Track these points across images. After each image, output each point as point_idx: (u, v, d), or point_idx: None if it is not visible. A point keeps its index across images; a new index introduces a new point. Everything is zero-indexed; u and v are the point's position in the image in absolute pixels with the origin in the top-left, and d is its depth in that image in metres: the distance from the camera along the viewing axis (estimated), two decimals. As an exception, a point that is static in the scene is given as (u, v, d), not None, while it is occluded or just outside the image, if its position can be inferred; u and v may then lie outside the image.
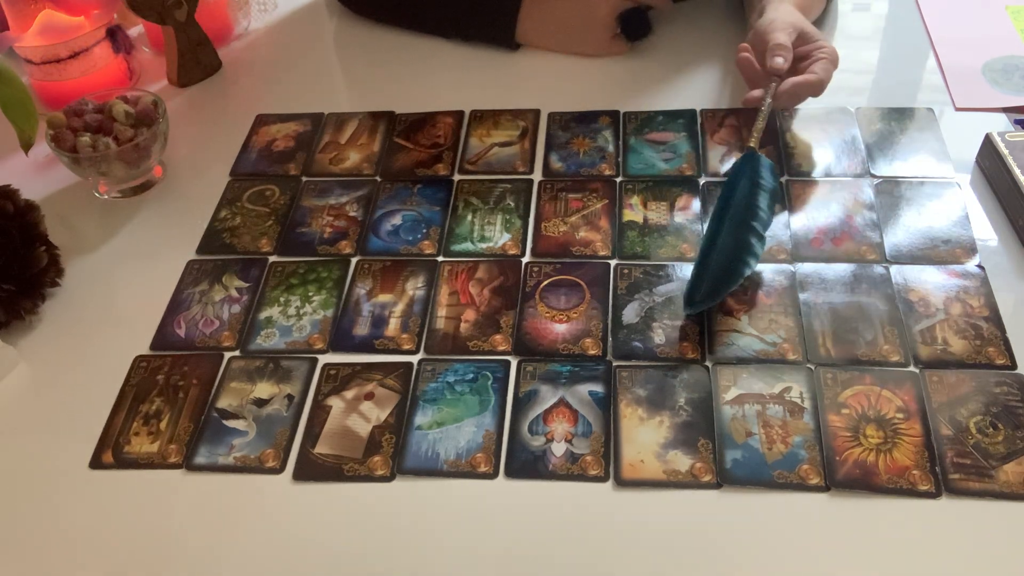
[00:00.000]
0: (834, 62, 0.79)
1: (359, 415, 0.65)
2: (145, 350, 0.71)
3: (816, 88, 0.78)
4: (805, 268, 0.71)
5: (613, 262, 0.73)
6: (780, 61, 0.77)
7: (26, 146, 0.75)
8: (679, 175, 0.80)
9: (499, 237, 0.77)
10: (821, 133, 0.83)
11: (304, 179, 0.85)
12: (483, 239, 0.77)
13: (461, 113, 0.90)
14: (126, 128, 0.81)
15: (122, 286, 0.77)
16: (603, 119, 0.87)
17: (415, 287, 0.73)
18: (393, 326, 0.70)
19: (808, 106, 0.85)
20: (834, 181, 0.78)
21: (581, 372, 0.65)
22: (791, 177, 0.79)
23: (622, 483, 0.59)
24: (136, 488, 0.62)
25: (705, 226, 0.75)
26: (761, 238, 0.70)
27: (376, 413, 0.65)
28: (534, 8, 0.94)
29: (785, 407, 0.62)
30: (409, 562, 0.56)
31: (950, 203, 0.75)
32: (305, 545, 0.58)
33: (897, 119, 0.83)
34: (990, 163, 0.76)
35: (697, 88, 0.90)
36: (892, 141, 0.81)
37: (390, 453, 0.62)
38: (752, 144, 0.74)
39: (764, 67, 0.79)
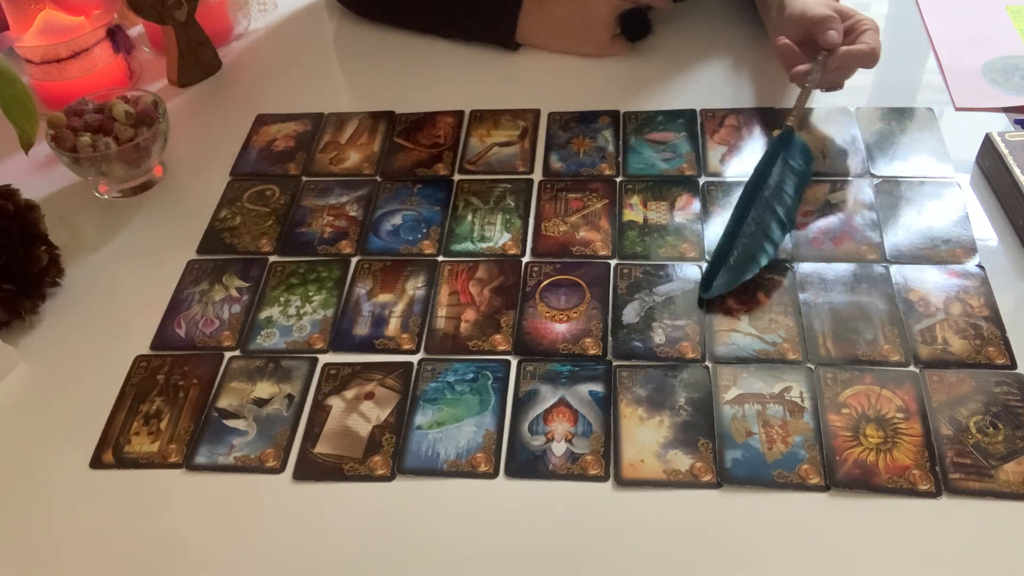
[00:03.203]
0: (877, 32, 0.79)
1: (359, 415, 0.65)
2: (145, 350, 0.71)
3: (870, 58, 0.77)
4: (805, 268, 0.71)
5: (613, 262, 0.73)
6: (834, 34, 0.77)
7: (26, 146, 0.75)
8: (679, 175, 0.80)
9: (499, 237, 0.77)
10: (821, 133, 0.83)
11: (304, 179, 0.85)
12: (483, 239, 0.77)
13: (461, 113, 0.90)
14: (126, 128, 0.81)
15: (122, 286, 0.77)
16: (603, 119, 0.87)
17: (415, 287, 0.73)
18: (393, 326, 0.70)
19: (808, 106, 0.85)
20: (834, 181, 0.78)
21: (581, 372, 0.65)
22: (791, 177, 0.79)
23: (622, 483, 0.59)
24: (136, 488, 0.62)
25: (704, 225, 0.75)
26: (783, 224, 0.70)
27: (376, 413, 0.65)
28: (534, 8, 0.94)
29: (785, 407, 0.62)
30: (409, 562, 0.56)
31: (950, 203, 0.75)
32: (305, 545, 0.58)
33: (897, 119, 0.83)
34: (990, 163, 0.76)
35: (697, 88, 0.90)
36: (892, 141, 0.81)
37: (390, 453, 0.62)
38: (791, 123, 0.74)
39: (804, 48, 0.78)
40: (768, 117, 0.85)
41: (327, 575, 0.56)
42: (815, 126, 0.83)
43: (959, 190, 0.76)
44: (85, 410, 0.67)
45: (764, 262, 0.68)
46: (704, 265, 0.71)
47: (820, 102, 0.85)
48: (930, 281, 0.69)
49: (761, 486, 0.58)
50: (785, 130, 0.74)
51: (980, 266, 0.69)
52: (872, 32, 0.78)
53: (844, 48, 0.77)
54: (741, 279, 0.68)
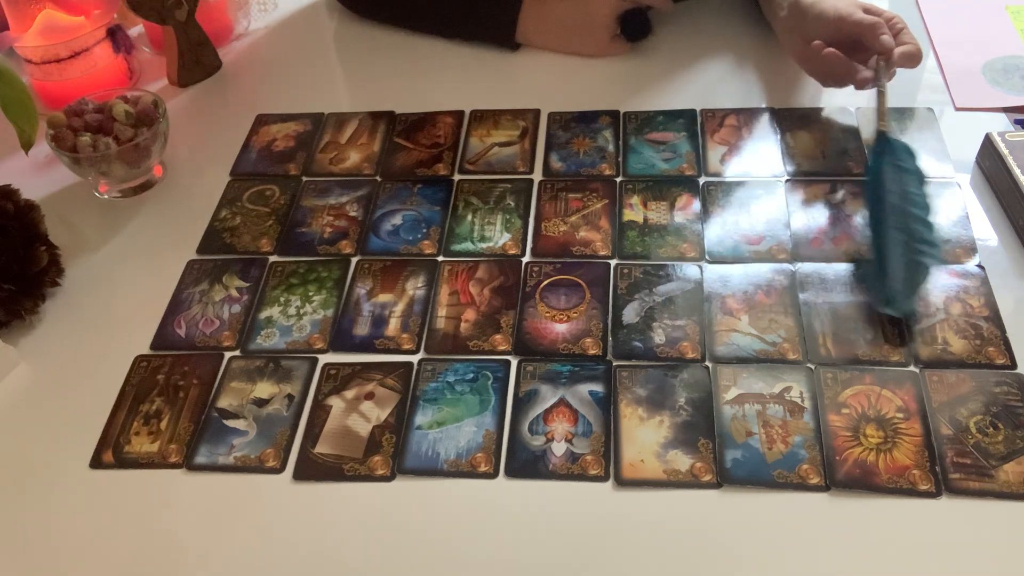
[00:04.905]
0: (908, 27, 0.79)
1: (359, 415, 0.65)
2: (145, 350, 0.71)
3: (917, 58, 0.77)
4: (805, 268, 0.71)
5: (613, 262, 0.73)
6: (889, 39, 0.76)
7: (26, 146, 0.75)
8: (679, 175, 0.80)
9: (499, 237, 0.77)
10: (821, 133, 0.83)
11: (304, 179, 0.85)
12: (483, 239, 0.77)
13: (461, 113, 0.90)
14: (126, 128, 0.81)
15: (122, 286, 0.77)
16: (603, 119, 0.87)
17: (415, 287, 0.73)
18: (393, 326, 0.70)
19: (808, 106, 0.85)
20: (834, 181, 0.78)
21: (581, 372, 0.65)
22: (791, 177, 0.79)
23: (622, 483, 0.59)
24: (136, 488, 0.62)
25: (704, 225, 0.75)
26: (928, 224, 0.69)
27: (376, 413, 0.65)
28: (534, 8, 0.94)
29: (785, 407, 0.62)
30: (409, 562, 0.56)
31: (950, 203, 0.75)
32: (305, 545, 0.58)
33: (897, 119, 0.83)
34: (990, 163, 0.76)
35: (697, 88, 0.90)
36: (892, 141, 0.81)
37: (390, 453, 0.62)
38: (883, 128, 0.74)
39: (848, 53, 0.78)
40: (768, 117, 0.85)
41: (327, 575, 0.56)
42: (814, 126, 0.83)
43: (959, 190, 0.76)
44: (85, 410, 0.67)
45: (934, 265, 0.67)
46: (705, 266, 0.72)
47: (820, 102, 0.85)
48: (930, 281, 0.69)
49: (761, 486, 0.58)
50: (880, 136, 0.74)
51: (980, 266, 0.69)
52: (908, 30, 0.78)
53: (899, 50, 0.76)
54: (920, 288, 0.66)
